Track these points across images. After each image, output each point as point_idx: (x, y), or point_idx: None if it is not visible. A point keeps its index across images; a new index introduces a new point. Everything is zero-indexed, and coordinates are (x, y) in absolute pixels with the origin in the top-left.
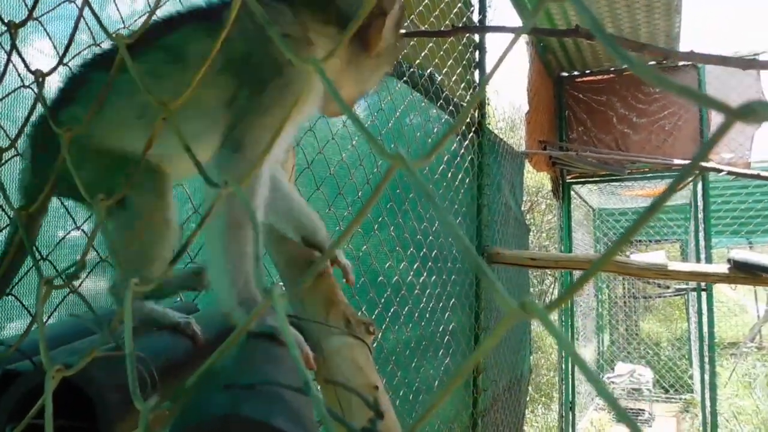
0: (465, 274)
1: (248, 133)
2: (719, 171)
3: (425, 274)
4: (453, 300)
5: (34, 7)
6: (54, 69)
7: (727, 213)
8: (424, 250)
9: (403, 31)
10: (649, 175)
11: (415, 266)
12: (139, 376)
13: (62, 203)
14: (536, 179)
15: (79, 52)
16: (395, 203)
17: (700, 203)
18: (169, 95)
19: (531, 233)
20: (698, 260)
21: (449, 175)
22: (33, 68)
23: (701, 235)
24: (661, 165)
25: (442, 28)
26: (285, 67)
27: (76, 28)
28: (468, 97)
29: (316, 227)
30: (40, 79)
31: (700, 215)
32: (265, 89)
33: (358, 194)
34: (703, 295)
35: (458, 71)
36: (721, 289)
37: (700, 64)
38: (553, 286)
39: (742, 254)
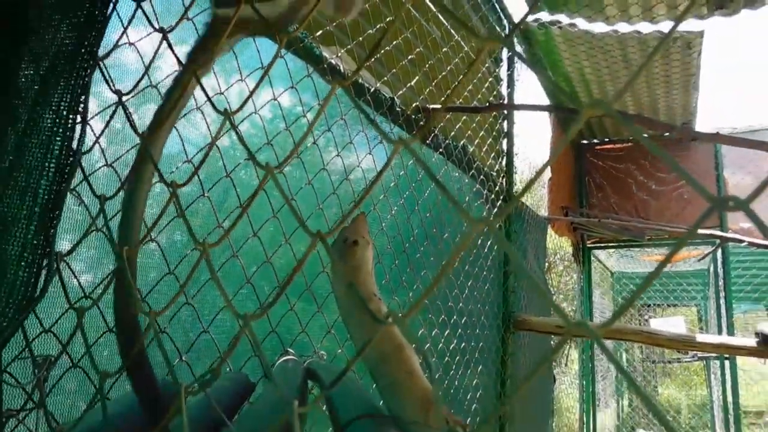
0: (492, 341)
1: None
2: (740, 242)
3: (455, 341)
4: (480, 366)
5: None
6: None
7: (749, 281)
8: (455, 317)
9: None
10: (667, 241)
11: (446, 333)
12: None
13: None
14: (555, 241)
15: None
16: (428, 270)
17: (720, 271)
18: None
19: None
20: (719, 327)
21: (479, 241)
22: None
23: (722, 302)
24: (682, 233)
25: (474, 102)
26: None
27: None
28: (497, 166)
29: None
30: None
31: (720, 283)
32: None
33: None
34: (726, 363)
35: (489, 141)
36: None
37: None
38: (569, 347)
39: None
